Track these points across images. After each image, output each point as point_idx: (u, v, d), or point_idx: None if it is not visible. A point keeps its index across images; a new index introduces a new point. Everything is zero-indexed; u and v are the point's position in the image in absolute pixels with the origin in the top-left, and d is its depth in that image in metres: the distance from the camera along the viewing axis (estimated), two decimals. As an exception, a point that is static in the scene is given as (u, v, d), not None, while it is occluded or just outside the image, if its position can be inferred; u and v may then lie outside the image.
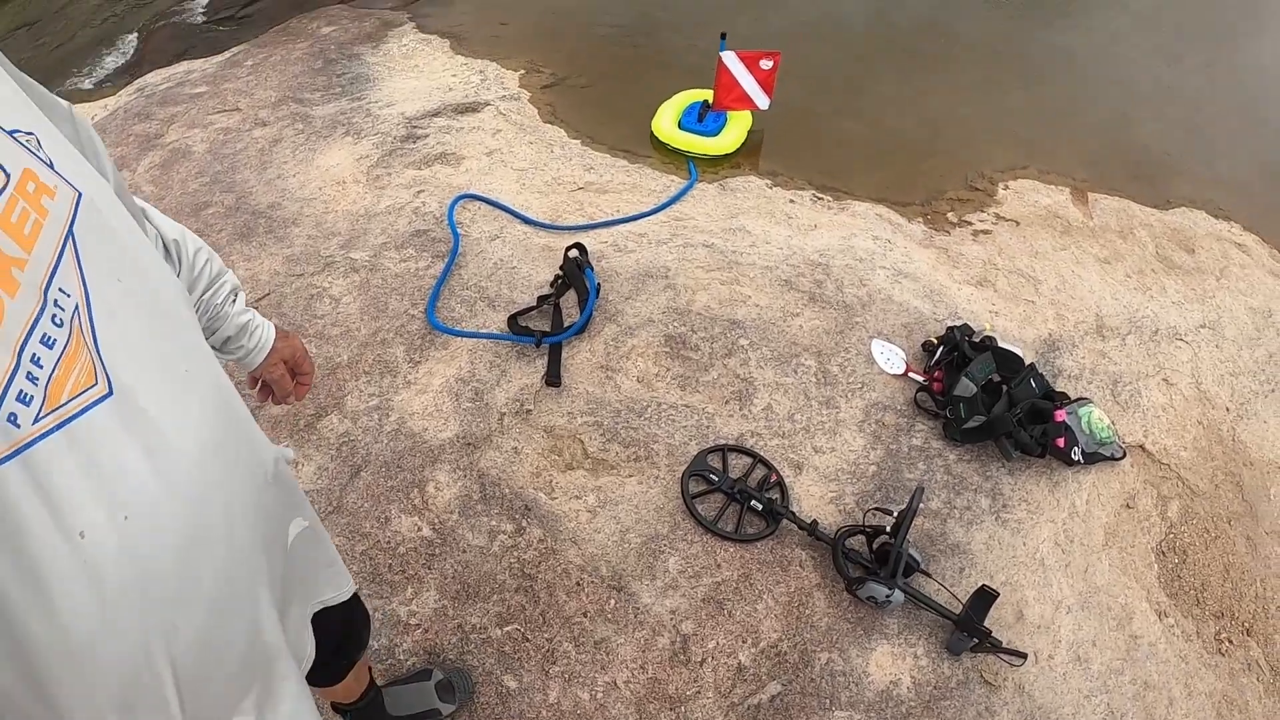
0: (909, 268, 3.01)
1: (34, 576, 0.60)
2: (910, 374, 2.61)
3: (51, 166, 0.67)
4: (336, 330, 2.65)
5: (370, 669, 1.64)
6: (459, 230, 3.02)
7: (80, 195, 0.69)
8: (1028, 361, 2.56)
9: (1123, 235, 3.29)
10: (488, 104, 3.75)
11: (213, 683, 0.79)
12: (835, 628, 2.05)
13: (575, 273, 2.78)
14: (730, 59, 3.41)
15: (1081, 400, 2.52)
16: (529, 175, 3.34)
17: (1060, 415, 2.38)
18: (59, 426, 0.61)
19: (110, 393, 0.66)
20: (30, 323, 0.60)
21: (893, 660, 2.00)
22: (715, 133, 3.57)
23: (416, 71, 4.01)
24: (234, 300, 1.16)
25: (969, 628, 1.96)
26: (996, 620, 2.03)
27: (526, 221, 3.11)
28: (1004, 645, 1.97)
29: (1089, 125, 3.97)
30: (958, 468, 2.39)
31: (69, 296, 0.64)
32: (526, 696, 1.90)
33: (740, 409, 2.49)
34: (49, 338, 0.61)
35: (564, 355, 2.60)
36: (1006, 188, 3.50)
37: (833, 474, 2.36)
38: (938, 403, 2.51)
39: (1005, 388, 2.45)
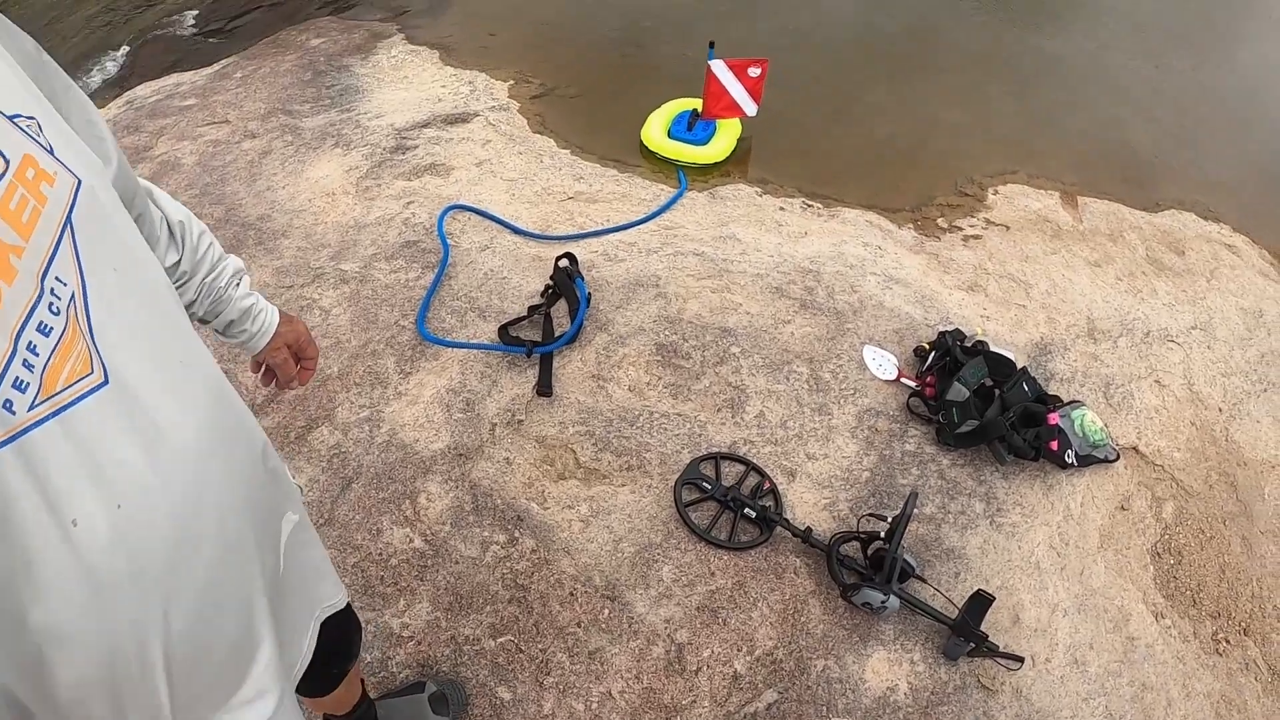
0: (900, 274, 3.01)
1: (26, 563, 0.60)
2: (902, 379, 2.60)
3: (52, 152, 0.67)
4: (327, 342, 2.64)
5: (363, 681, 1.63)
6: (449, 241, 3.01)
7: (80, 183, 0.68)
8: (1020, 365, 2.55)
9: (1113, 238, 3.29)
10: (477, 115, 3.75)
11: (202, 673, 0.78)
12: (831, 634, 2.04)
13: (566, 282, 2.77)
14: (719, 67, 3.42)
15: (1074, 403, 2.52)
16: (519, 185, 3.34)
17: (1053, 418, 2.38)
18: (54, 414, 0.61)
19: (106, 381, 0.66)
20: (27, 310, 0.60)
21: (889, 666, 1.99)
22: (704, 141, 3.57)
23: (406, 83, 4.01)
24: (237, 284, 1.17)
25: (965, 632, 1.95)
26: (993, 624, 2.02)
27: (516, 231, 3.10)
28: (1001, 649, 1.96)
29: (1078, 129, 3.99)
30: (951, 472, 2.39)
31: (65, 285, 0.64)
32: (521, 708, 1.88)
33: (732, 417, 2.48)
34: (46, 326, 0.61)
35: (555, 365, 2.59)
36: (996, 193, 3.51)
37: (826, 480, 2.35)
38: (930, 408, 2.51)
39: (998, 392, 2.45)
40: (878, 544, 2.10)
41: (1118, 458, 2.44)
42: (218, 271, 1.12)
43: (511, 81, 4.05)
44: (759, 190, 3.43)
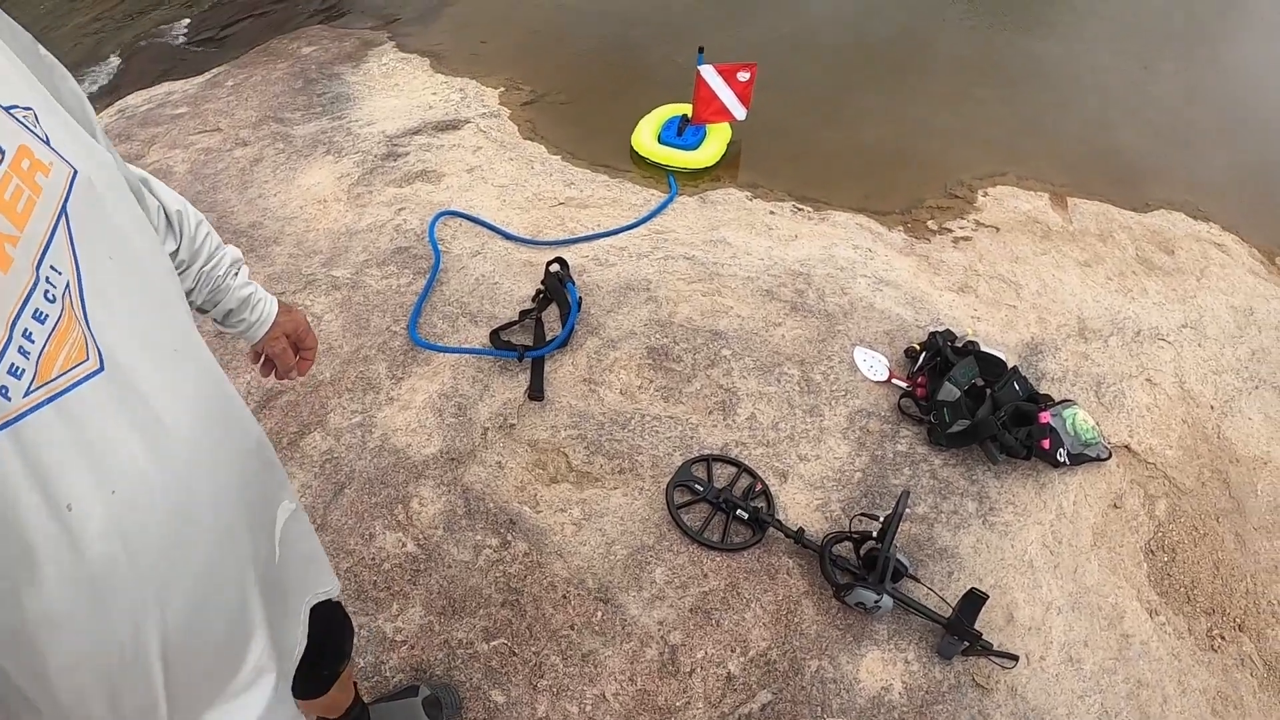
0: (890, 275, 3.01)
1: (21, 547, 0.60)
2: (894, 380, 2.60)
3: (48, 143, 0.67)
4: (319, 348, 2.63)
5: (356, 685, 1.62)
6: (440, 247, 3.01)
7: (75, 173, 0.69)
8: (1011, 365, 2.56)
9: (1102, 238, 3.30)
10: (468, 121, 3.76)
11: (198, 660, 0.79)
12: (824, 635, 2.03)
13: (557, 287, 2.77)
14: (708, 73, 3.43)
15: (1066, 402, 2.52)
16: (510, 191, 3.34)
17: (1045, 417, 2.38)
18: (49, 400, 0.62)
19: (101, 368, 0.67)
20: (23, 298, 0.60)
21: (883, 666, 1.99)
22: (694, 146, 3.58)
23: (397, 90, 4.01)
24: (235, 274, 1.18)
25: (959, 631, 1.94)
26: (987, 623, 2.02)
27: (508, 237, 3.10)
28: (995, 648, 1.96)
29: (1067, 131, 4.00)
30: (943, 472, 2.39)
31: (60, 274, 0.64)
32: (514, 711, 1.88)
33: (724, 419, 2.48)
34: (41, 313, 0.62)
35: (547, 369, 2.58)
36: (986, 194, 3.52)
37: (818, 481, 2.35)
38: (922, 408, 2.51)
39: (989, 391, 2.45)
40: (870, 544, 2.10)
41: (1110, 456, 2.44)
42: (215, 260, 1.13)
43: (502, 88, 4.06)
44: (749, 194, 3.43)
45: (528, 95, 4.03)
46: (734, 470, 2.34)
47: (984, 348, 2.59)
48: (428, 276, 2.88)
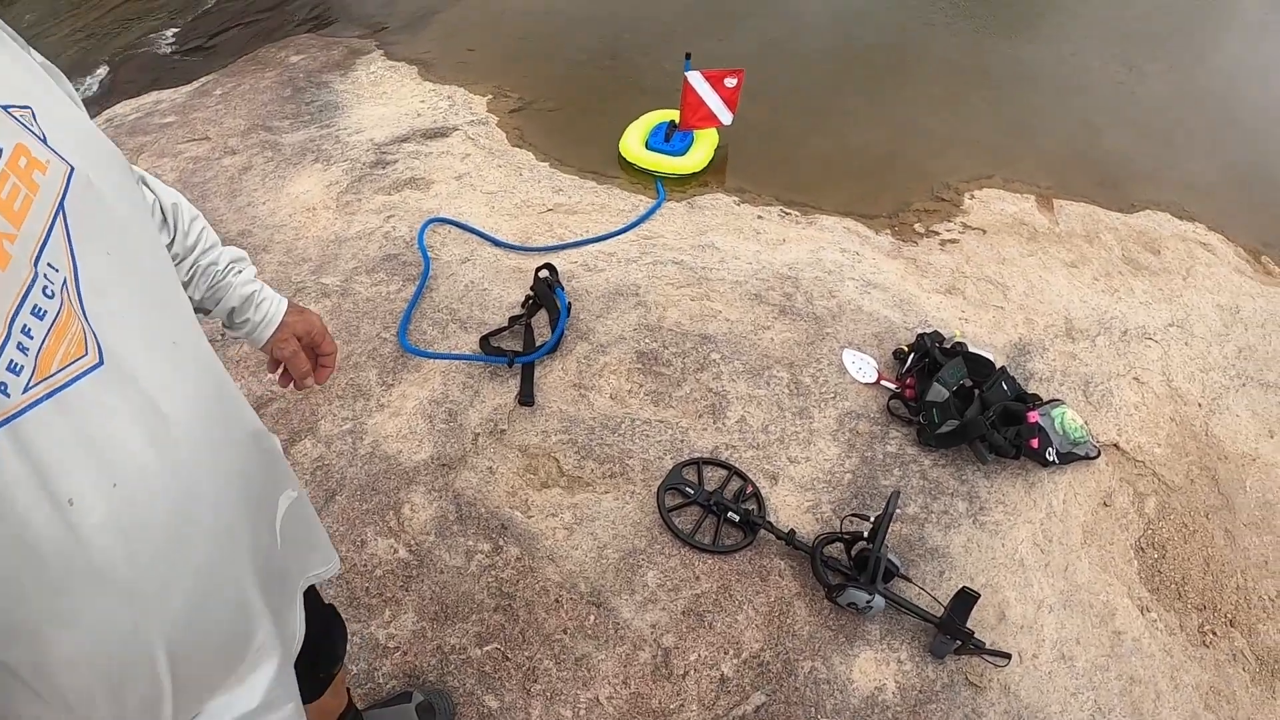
0: (878, 278, 3.02)
1: (23, 543, 0.61)
2: (883, 382, 2.61)
3: (45, 141, 0.68)
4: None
5: (349, 691, 1.61)
6: (429, 254, 3.01)
7: (72, 170, 0.69)
8: (999, 365, 2.57)
9: (1089, 239, 3.32)
10: (456, 129, 3.76)
11: (201, 651, 0.79)
12: (817, 635, 2.03)
13: (546, 293, 2.77)
14: (695, 79, 3.44)
15: (1054, 401, 2.53)
16: (498, 198, 3.35)
17: (1033, 417, 2.39)
18: (49, 395, 0.62)
19: (101, 362, 0.67)
20: (21, 294, 0.61)
21: (876, 666, 1.99)
22: (682, 152, 3.59)
23: (385, 98, 4.02)
24: (238, 271, 1.16)
25: (951, 630, 1.95)
26: (979, 622, 2.03)
27: (496, 244, 3.11)
28: (987, 646, 1.96)
29: (1052, 133, 4.03)
30: (933, 472, 2.39)
31: (57, 271, 0.65)
32: (508, 716, 1.87)
33: (714, 422, 2.48)
34: (40, 309, 0.62)
35: (537, 374, 2.58)
36: (972, 197, 3.53)
37: (808, 483, 2.35)
38: (911, 409, 2.51)
39: (977, 392, 2.46)
40: (861, 544, 2.10)
41: (1099, 454, 2.45)
42: (212, 255, 1.12)
43: (490, 96, 4.06)
44: (737, 199, 3.45)
45: (516, 102, 4.04)
46: (725, 473, 2.34)
47: (972, 348, 2.60)
48: (417, 283, 2.88)
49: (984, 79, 4.42)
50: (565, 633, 2.01)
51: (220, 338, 2.64)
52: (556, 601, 2.06)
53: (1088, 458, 2.43)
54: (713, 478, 2.34)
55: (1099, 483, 2.41)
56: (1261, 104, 4.37)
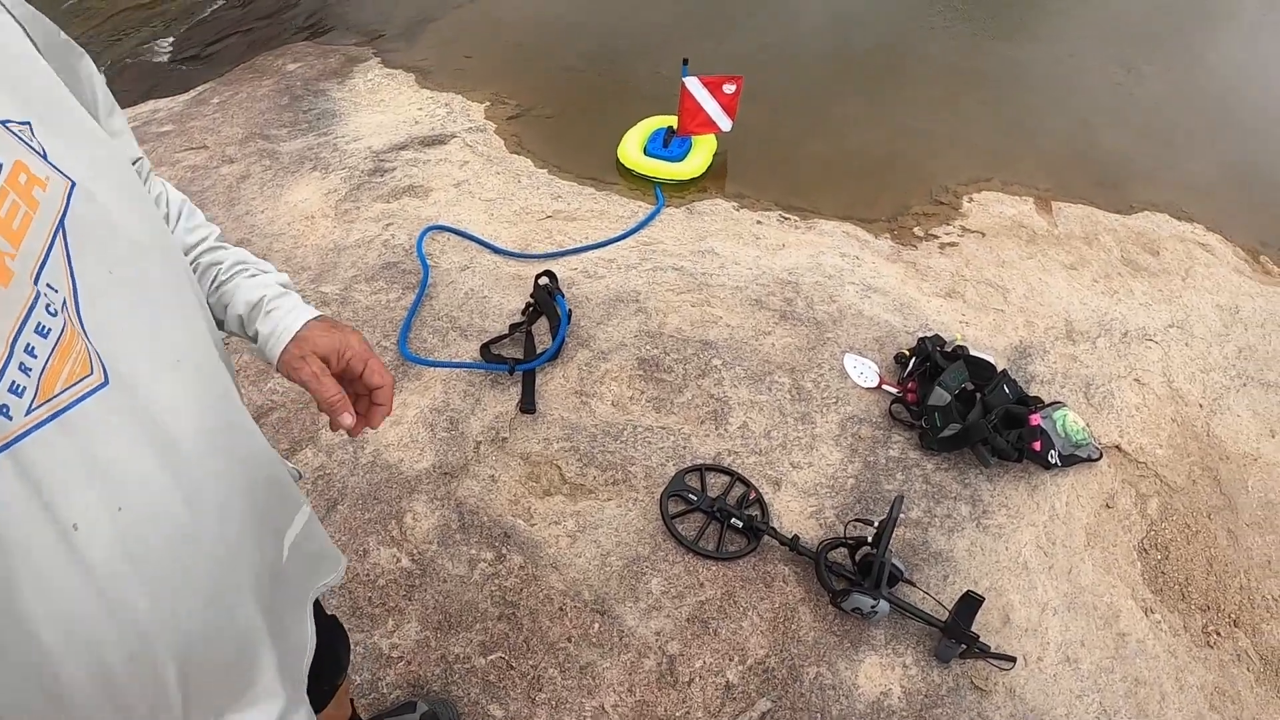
0: (878, 282, 3.03)
1: (29, 570, 0.59)
2: (884, 386, 2.61)
3: (45, 157, 0.66)
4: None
5: (353, 703, 1.61)
6: (429, 261, 3.01)
7: (73, 185, 0.68)
8: (1000, 368, 2.57)
9: (1088, 241, 3.33)
10: (454, 136, 3.76)
11: (211, 674, 0.78)
12: (822, 641, 2.03)
13: (546, 300, 2.77)
14: (693, 84, 3.44)
15: (1055, 404, 2.53)
16: (497, 205, 3.35)
17: (1035, 419, 2.39)
18: (52, 417, 0.60)
19: (106, 382, 0.65)
20: (24, 313, 0.59)
21: (882, 671, 1.99)
22: (681, 158, 3.59)
23: (382, 106, 4.02)
24: (250, 274, 1.02)
25: (956, 634, 1.94)
26: (983, 625, 2.02)
27: (496, 251, 3.11)
28: (992, 650, 1.96)
29: (1050, 135, 4.03)
30: (936, 476, 2.39)
31: (56, 291, 0.63)
32: (512, 726, 1.87)
33: (716, 428, 2.48)
34: (44, 327, 0.60)
35: (538, 382, 2.58)
36: (971, 200, 3.54)
37: (811, 488, 2.35)
38: (913, 413, 2.51)
39: (979, 395, 2.46)
40: (865, 549, 2.10)
41: (1100, 456, 2.45)
42: (216, 255, 1.05)
43: (488, 103, 4.06)
44: (736, 204, 3.45)
45: (513, 109, 4.04)
46: (727, 479, 2.34)
47: (973, 352, 2.60)
48: (417, 291, 2.88)
49: (982, 81, 4.43)
50: (570, 641, 2.00)
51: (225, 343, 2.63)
52: (560, 610, 2.06)
53: (1090, 460, 2.43)
54: (715, 484, 2.33)
55: (1101, 485, 2.41)
56: (1259, 103, 4.38)
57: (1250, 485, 2.48)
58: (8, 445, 0.57)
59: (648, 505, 2.28)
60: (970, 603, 1.95)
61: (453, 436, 2.43)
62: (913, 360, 2.61)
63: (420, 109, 3.98)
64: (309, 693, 1.21)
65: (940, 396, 2.43)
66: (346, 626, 1.96)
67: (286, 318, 0.98)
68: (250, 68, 4.44)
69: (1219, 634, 2.14)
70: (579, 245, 3.14)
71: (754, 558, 2.18)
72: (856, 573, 2.09)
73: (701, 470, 2.35)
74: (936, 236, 3.31)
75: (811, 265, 3.07)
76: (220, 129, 3.83)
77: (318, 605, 1.28)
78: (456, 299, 2.88)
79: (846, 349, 2.73)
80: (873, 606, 1.97)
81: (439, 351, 2.68)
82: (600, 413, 2.51)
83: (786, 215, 3.39)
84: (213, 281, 1.02)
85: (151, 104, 4.15)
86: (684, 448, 2.42)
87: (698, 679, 1.95)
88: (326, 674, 1.33)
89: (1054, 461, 2.37)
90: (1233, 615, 2.18)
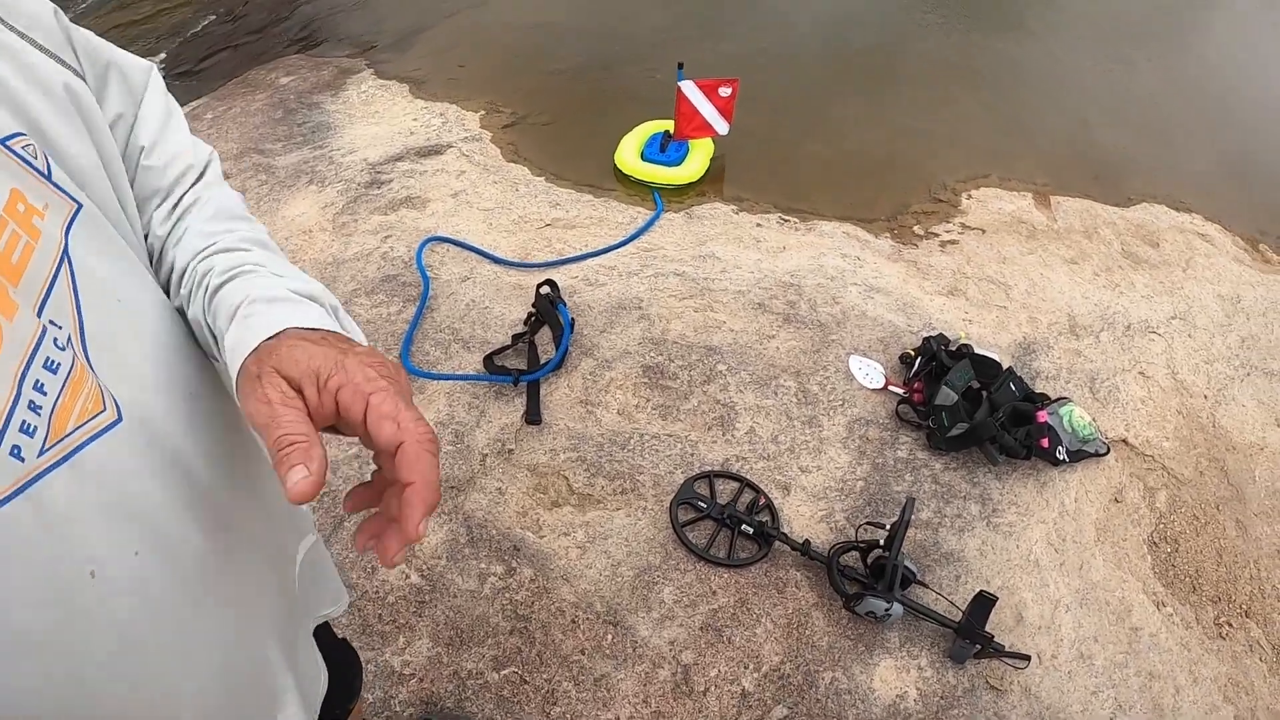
0: (880, 283, 3.02)
1: (44, 619, 0.56)
2: (890, 387, 2.61)
3: (48, 176, 0.62)
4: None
5: (367, 724, 1.60)
6: (429, 273, 3.00)
7: (79, 208, 0.64)
8: (1005, 366, 2.57)
9: (1088, 235, 3.33)
10: (450, 146, 3.76)
11: (231, 714, 0.76)
12: (837, 646, 2.03)
13: (548, 309, 2.77)
14: (689, 88, 3.44)
15: (1061, 400, 2.53)
16: (495, 215, 3.34)
17: (1042, 416, 2.39)
18: (66, 458, 0.56)
19: (120, 419, 0.61)
20: (31, 349, 0.55)
21: (897, 674, 1.98)
22: (678, 162, 3.58)
23: (377, 117, 4.01)
24: (247, 274, 0.75)
25: (970, 634, 1.94)
26: (997, 625, 2.02)
27: (496, 261, 3.10)
28: (1007, 649, 1.96)
29: (1047, 131, 4.03)
30: (945, 476, 2.39)
31: (61, 328, 0.59)
32: (529, 740, 1.86)
33: (723, 434, 2.48)
34: (53, 361, 0.57)
35: (543, 392, 2.58)
36: (970, 197, 3.54)
37: (821, 492, 2.35)
38: (919, 413, 2.51)
39: (985, 393, 2.46)
40: (877, 552, 2.10)
41: (1108, 451, 2.45)
42: (213, 261, 0.78)
43: (483, 112, 4.06)
44: (735, 208, 3.44)
45: (509, 117, 4.03)
46: (736, 485, 2.34)
47: (978, 350, 2.60)
48: (417, 304, 2.88)
49: (978, 78, 4.43)
50: (583, 653, 2.00)
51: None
52: (573, 622, 2.05)
53: (1097, 455, 2.43)
54: (725, 490, 2.33)
55: (1109, 479, 2.41)
56: (1253, 94, 4.39)
57: (1258, 475, 2.48)
58: (23, 488, 0.54)
59: (657, 514, 2.27)
60: (984, 602, 1.95)
61: (458, 450, 2.43)
62: (918, 360, 2.61)
63: (415, 119, 3.98)
64: (321, 718, 1.20)
65: (947, 396, 2.43)
66: (356, 645, 1.96)
67: (259, 321, 0.66)
68: (243, 82, 4.43)
69: (1231, 625, 2.14)
70: (579, 253, 3.13)
71: (766, 564, 2.18)
72: (869, 576, 2.09)
73: (710, 477, 2.35)
74: (937, 235, 3.31)
75: (813, 267, 3.07)
76: (215, 144, 3.79)
77: (328, 630, 1.27)
78: (458, 310, 2.87)
79: (851, 350, 2.73)
80: (886, 610, 1.96)
81: (442, 364, 2.67)
82: (606, 422, 2.50)
83: (786, 217, 3.39)
84: (205, 294, 0.74)
85: (145, 122, 4.13)
86: (692, 455, 2.42)
87: (713, 688, 1.94)
88: (338, 700, 1.32)
89: (1062, 458, 2.37)
90: (1244, 606, 2.18)
